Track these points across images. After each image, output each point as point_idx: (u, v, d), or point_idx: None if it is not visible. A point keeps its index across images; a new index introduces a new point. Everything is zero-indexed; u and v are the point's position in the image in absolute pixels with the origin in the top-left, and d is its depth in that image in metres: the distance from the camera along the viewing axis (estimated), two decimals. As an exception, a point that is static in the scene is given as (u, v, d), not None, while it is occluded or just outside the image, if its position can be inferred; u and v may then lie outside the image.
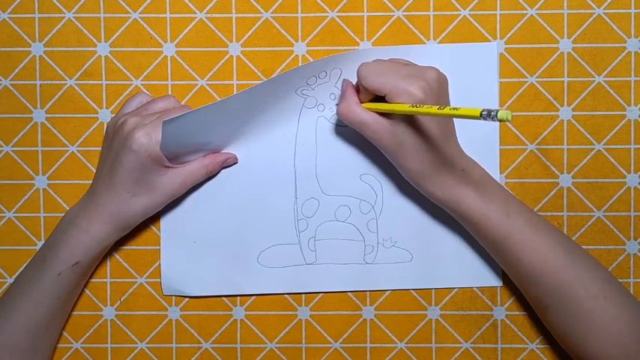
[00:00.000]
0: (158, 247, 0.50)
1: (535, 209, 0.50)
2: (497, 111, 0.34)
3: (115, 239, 0.48)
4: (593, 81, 0.50)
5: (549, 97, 0.50)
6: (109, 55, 0.50)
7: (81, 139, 0.51)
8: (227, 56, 0.50)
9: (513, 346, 0.50)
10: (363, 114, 0.44)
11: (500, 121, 0.34)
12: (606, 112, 0.50)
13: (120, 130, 0.45)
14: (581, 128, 0.50)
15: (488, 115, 0.35)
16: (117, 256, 0.51)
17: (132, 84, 0.51)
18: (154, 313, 0.51)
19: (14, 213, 0.51)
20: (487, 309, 0.50)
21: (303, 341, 0.51)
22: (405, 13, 0.50)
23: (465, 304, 0.50)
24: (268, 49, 0.50)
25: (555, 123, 0.50)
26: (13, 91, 0.51)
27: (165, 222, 0.50)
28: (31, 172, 0.51)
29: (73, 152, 0.51)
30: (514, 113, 0.50)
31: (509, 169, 0.50)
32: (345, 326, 0.51)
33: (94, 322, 0.51)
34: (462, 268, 0.50)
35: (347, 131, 0.50)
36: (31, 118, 0.51)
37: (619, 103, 0.50)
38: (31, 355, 0.46)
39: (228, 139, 0.49)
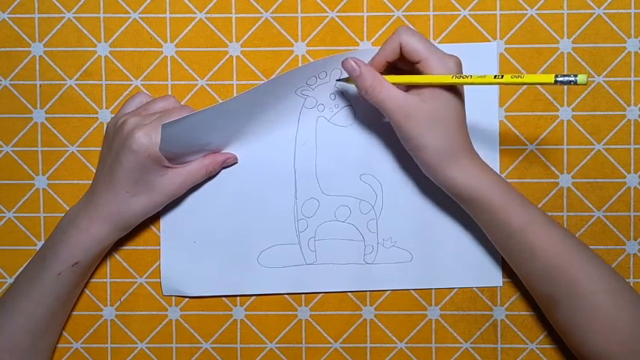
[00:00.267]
0: (158, 247, 0.50)
1: (538, 207, 0.50)
2: (575, 75, 0.33)
3: (115, 239, 0.48)
4: (593, 81, 0.50)
5: (549, 97, 0.50)
6: (108, 55, 0.50)
7: (81, 139, 0.51)
8: (227, 56, 0.50)
9: (513, 346, 0.50)
10: (392, 89, 0.43)
11: (579, 84, 0.34)
12: (606, 112, 0.50)
13: (120, 130, 0.45)
14: (581, 128, 0.50)
15: (564, 80, 0.34)
16: (117, 256, 0.51)
17: (132, 84, 0.51)
18: (153, 313, 0.51)
19: (14, 213, 0.51)
20: (487, 309, 0.50)
21: (303, 341, 0.51)
22: (405, 13, 0.50)
23: (465, 304, 0.50)
24: (268, 49, 0.50)
25: (555, 123, 0.50)
26: (13, 91, 0.51)
27: (165, 222, 0.50)
28: (31, 172, 0.51)
29: (73, 152, 0.51)
30: (514, 113, 0.50)
31: (510, 168, 0.50)
32: (345, 326, 0.51)
33: (94, 322, 0.51)
34: (462, 268, 0.50)
35: (347, 131, 0.50)
36: (31, 118, 0.51)
37: (619, 103, 0.50)
38: (31, 355, 0.46)
39: (228, 139, 0.49)
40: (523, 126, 0.50)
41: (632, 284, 0.50)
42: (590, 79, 0.50)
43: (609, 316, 0.43)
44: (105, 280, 0.51)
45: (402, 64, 0.45)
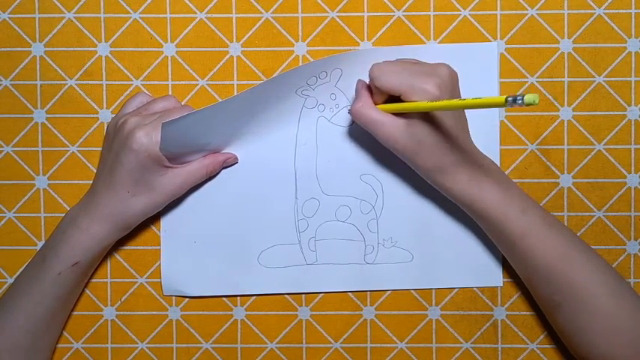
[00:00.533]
0: (158, 247, 0.50)
1: (540, 207, 0.50)
2: (522, 96, 0.34)
3: (115, 239, 0.48)
4: (594, 81, 0.50)
5: (549, 97, 0.50)
6: (109, 55, 0.50)
7: (81, 139, 0.51)
8: (227, 56, 0.50)
9: (513, 346, 0.50)
10: (378, 115, 0.44)
11: (527, 105, 0.34)
12: (606, 112, 0.50)
13: (120, 129, 0.45)
14: (581, 128, 0.50)
15: (514, 101, 0.34)
16: (117, 256, 0.51)
17: (132, 84, 0.51)
18: (154, 313, 0.51)
19: (14, 213, 0.51)
20: (487, 309, 0.50)
21: (304, 341, 0.51)
22: (405, 13, 0.50)
23: (466, 304, 0.50)
24: (268, 49, 0.50)
25: (555, 123, 0.50)
26: (13, 91, 0.51)
27: (165, 222, 0.50)
28: (31, 172, 0.51)
29: (73, 152, 0.51)
30: (515, 113, 0.50)
31: (510, 169, 0.50)
32: (346, 326, 0.51)
33: (94, 322, 0.51)
34: (462, 268, 0.50)
35: (347, 131, 0.50)
36: (32, 118, 0.51)
37: (619, 103, 0.50)
38: (31, 355, 0.46)
39: (229, 139, 0.49)
40: (523, 126, 0.50)
41: (632, 284, 0.50)
42: (590, 79, 0.50)
43: (611, 319, 0.43)
44: (105, 280, 0.51)
45: None
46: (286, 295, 0.51)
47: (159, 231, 0.50)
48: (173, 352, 0.51)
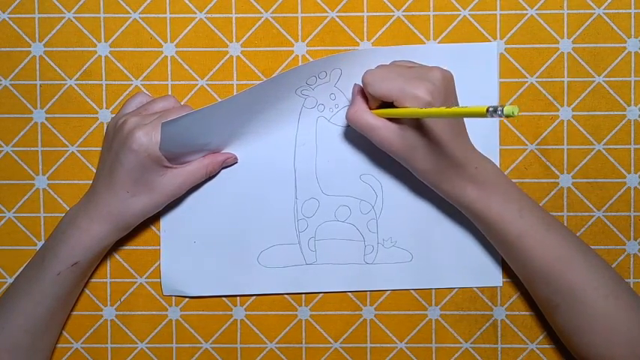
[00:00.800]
0: (158, 247, 0.50)
1: (539, 206, 0.50)
2: (502, 107, 0.34)
3: (115, 239, 0.48)
4: (593, 81, 0.50)
5: (549, 97, 0.50)
6: (109, 55, 0.50)
7: (81, 139, 0.51)
8: (227, 56, 0.50)
9: (513, 346, 0.50)
10: (373, 120, 0.44)
11: (506, 116, 0.34)
12: (606, 112, 0.50)
13: (120, 129, 0.45)
14: (581, 128, 0.50)
15: (494, 111, 0.35)
16: (117, 256, 0.51)
17: (132, 84, 0.51)
18: (154, 313, 0.51)
19: (14, 213, 0.51)
20: (487, 309, 0.50)
21: (303, 341, 0.51)
22: (405, 13, 0.50)
23: (465, 304, 0.50)
24: (268, 49, 0.50)
25: (555, 123, 0.50)
26: (13, 91, 0.51)
27: (165, 222, 0.50)
28: (31, 172, 0.51)
29: (73, 152, 0.51)
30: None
31: (510, 169, 0.50)
32: (345, 326, 0.51)
33: (94, 322, 0.51)
34: (462, 268, 0.50)
35: (347, 131, 0.50)
36: (31, 118, 0.51)
37: (619, 103, 0.50)
38: (31, 355, 0.46)
39: (228, 139, 0.49)
40: (523, 126, 0.50)
41: (632, 284, 0.50)
42: (590, 79, 0.50)
43: (610, 320, 0.43)
44: (105, 280, 0.51)
45: None
46: (286, 295, 0.51)
47: (159, 231, 0.50)
48: (173, 352, 0.51)
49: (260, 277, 0.50)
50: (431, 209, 0.50)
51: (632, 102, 0.50)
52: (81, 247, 0.46)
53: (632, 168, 0.50)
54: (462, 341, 0.50)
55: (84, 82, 0.51)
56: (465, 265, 0.50)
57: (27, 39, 0.50)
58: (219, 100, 0.50)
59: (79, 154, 0.51)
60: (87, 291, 0.51)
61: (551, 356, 0.50)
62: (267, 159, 0.50)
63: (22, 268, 0.49)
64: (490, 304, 0.50)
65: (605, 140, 0.50)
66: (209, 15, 0.50)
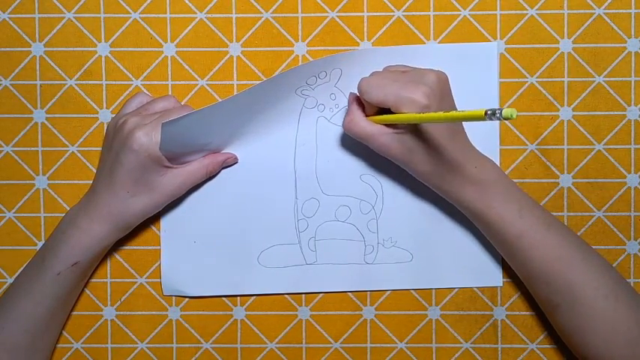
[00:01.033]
0: (158, 247, 0.50)
1: (538, 206, 0.50)
2: (501, 110, 0.34)
3: (115, 239, 0.48)
4: (593, 81, 0.50)
5: (549, 97, 0.50)
6: (109, 55, 0.50)
7: (81, 139, 0.51)
8: (227, 56, 0.50)
9: (513, 346, 0.50)
10: (369, 127, 0.44)
11: (505, 119, 0.34)
12: (606, 112, 0.50)
13: (120, 129, 0.45)
14: (581, 128, 0.50)
15: (492, 114, 0.35)
16: (117, 256, 0.51)
17: (132, 84, 0.51)
18: (154, 313, 0.51)
19: (14, 213, 0.51)
20: (487, 309, 0.50)
21: (303, 341, 0.51)
22: (405, 13, 0.50)
23: (465, 304, 0.50)
24: (268, 49, 0.50)
25: (555, 123, 0.50)
26: (13, 91, 0.51)
27: (165, 222, 0.50)
28: (31, 172, 0.51)
29: (73, 152, 0.51)
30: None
31: (510, 169, 0.50)
32: (345, 326, 0.51)
33: (94, 322, 0.51)
34: (462, 268, 0.50)
35: (347, 131, 0.50)
36: (32, 118, 0.51)
37: (619, 103, 0.50)
38: (31, 355, 0.46)
39: (228, 139, 0.49)
40: (523, 126, 0.50)
41: (632, 284, 0.50)
42: (590, 79, 0.50)
43: (610, 320, 0.43)
44: (105, 280, 0.51)
45: None
46: (286, 295, 0.51)
47: (159, 231, 0.50)
48: (173, 352, 0.51)
49: (260, 277, 0.50)
50: (431, 209, 0.50)
51: (632, 102, 0.50)
52: (81, 247, 0.46)
53: (632, 168, 0.50)
54: (462, 341, 0.50)
55: (84, 82, 0.51)
56: (465, 265, 0.50)
57: (27, 39, 0.50)
58: (220, 100, 0.50)
59: (79, 154, 0.51)
60: (87, 291, 0.51)
61: (551, 356, 0.50)
62: (268, 159, 0.50)
63: (22, 268, 0.49)
64: (490, 304, 0.50)
65: (605, 140, 0.50)
66: (209, 15, 0.50)
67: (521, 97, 0.50)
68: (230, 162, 0.49)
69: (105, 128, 0.50)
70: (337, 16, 0.50)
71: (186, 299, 0.51)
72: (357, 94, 0.46)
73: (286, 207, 0.50)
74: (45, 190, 0.51)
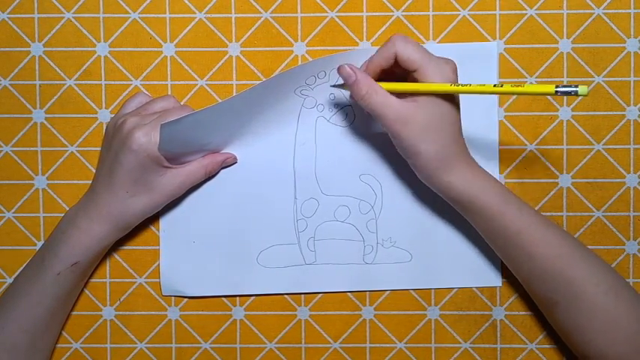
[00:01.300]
0: (158, 247, 0.50)
1: (535, 209, 0.50)
2: (576, 86, 0.33)
3: (115, 239, 0.48)
4: (593, 81, 0.50)
5: (549, 97, 0.50)
6: (108, 55, 0.50)
7: (80, 139, 0.51)
8: (226, 56, 0.50)
9: (513, 346, 0.50)
10: (387, 96, 0.43)
11: (581, 95, 0.34)
12: (606, 112, 0.50)
13: (119, 129, 0.45)
14: (580, 128, 0.50)
15: (566, 91, 0.34)
16: (116, 256, 0.51)
17: (131, 84, 0.51)
18: (153, 313, 0.51)
19: (14, 213, 0.51)
20: (486, 309, 0.50)
21: (303, 341, 0.51)
22: (404, 13, 0.50)
23: (465, 304, 0.50)
24: (268, 49, 0.50)
25: (555, 123, 0.50)
26: (12, 91, 0.51)
27: (164, 222, 0.50)
28: (30, 173, 0.51)
29: (72, 152, 0.51)
30: (514, 113, 0.50)
31: (509, 169, 0.50)
32: (345, 326, 0.51)
33: (93, 322, 0.51)
34: (462, 268, 0.50)
35: (346, 131, 0.50)
36: (31, 118, 0.51)
37: (618, 103, 0.50)
38: (30, 355, 0.46)
39: (228, 139, 0.49)
40: (523, 126, 0.50)
41: (631, 284, 0.50)
42: (589, 79, 0.50)
43: (610, 316, 0.43)
44: (104, 280, 0.51)
45: (397, 69, 0.45)
46: (285, 295, 0.51)
47: (158, 231, 0.50)
48: (172, 352, 0.51)
49: (259, 277, 0.50)
50: (430, 209, 0.50)
51: (632, 102, 0.50)
52: (81, 247, 0.46)
53: (632, 168, 0.50)
54: (462, 341, 0.50)
55: (83, 82, 0.51)
56: (464, 265, 0.50)
57: (26, 39, 0.50)
58: (219, 100, 0.50)
59: (78, 154, 0.51)
60: (86, 291, 0.51)
61: (551, 356, 0.50)
62: (267, 159, 0.50)
63: (21, 268, 0.49)
64: (489, 304, 0.50)
65: (604, 140, 0.50)
66: (209, 15, 0.50)
67: (520, 97, 0.50)
68: (229, 162, 0.49)
69: (104, 128, 0.50)
70: (337, 16, 0.50)
71: (186, 299, 0.51)
72: (354, 65, 0.44)
73: (285, 207, 0.50)
74: (44, 190, 0.51)
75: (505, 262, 0.48)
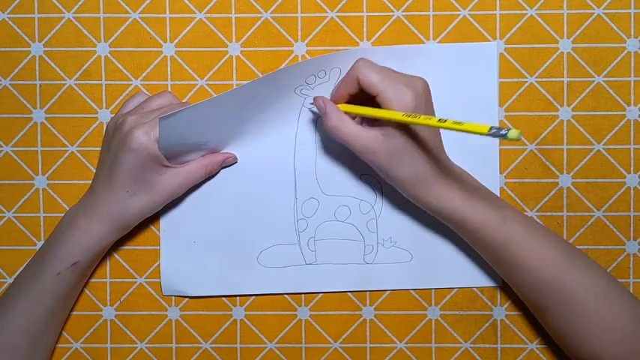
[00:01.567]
0: (158, 247, 0.50)
1: (535, 209, 0.50)
2: (507, 130, 0.34)
3: (115, 239, 0.48)
4: (593, 81, 0.50)
5: (549, 97, 0.50)
6: (108, 55, 0.50)
7: (80, 139, 0.51)
8: (227, 56, 0.50)
9: (513, 346, 0.50)
10: (355, 127, 0.44)
11: (510, 139, 0.34)
12: (606, 112, 0.50)
13: (119, 129, 0.45)
14: (580, 128, 0.50)
15: (497, 133, 0.34)
16: (116, 256, 0.51)
17: (131, 84, 0.51)
18: (153, 313, 0.51)
19: (14, 213, 0.51)
20: (487, 309, 0.50)
21: (303, 341, 0.51)
22: (404, 13, 0.50)
23: (465, 304, 0.50)
24: (268, 49, 0.50)
25: (555, 123, 0.50)
26: (12, 91, 0.51)
27: (164, 222, 0.50)
28: (30, 172, 0.51)
29: (72, 152, 0.51)
30: (514, 113, 0.50)
31: (509, 169, 0.50)
32: (345, 326, 0.51)
33: (93, 322, 0.51)
34: (462, 268, 0.50)
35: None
36: (31, 118, 0.51)
37: (619, 103, 0.50)
38: (30, 355, 0.46)
39: (228, 138, 0.49)
40: (523, 126, 0.50)
41: (631, 284, 0.50)
42: (589, 79, 0.50)
43: (602, 320, 0.43)
44: (105, 280, 0.51)
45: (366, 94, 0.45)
46: (286, 295, 0.51)
47: (158, 231, 0.50)
48: (172, 352, 0.51)
49: (260, 277, 0.50)
50: (430, 209, 0.50)
51: (632, 102, 0.50)
52: (81, 246, 0.46)
53: (632, 168, 0.50)
54: (462, 341, 0.50)
55: (83, 82, 0.51)
56: (464, 265, 0.50)
57: (27, 39, 0.50)
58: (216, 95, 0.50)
59: (78, 154, 0.51)
60: (86, 291, 0.51)
61: (551, 356, 0.50)
62: (267, 159, 0.50)
63: (21, 268, 0.49)
64: (490, 304, 0.50)
65: (604, 140, 0.50)
66: (209, 15, 0.50)
67: (520, 97, 0.50)
68: (229, 162, 0.49)
69: (104, 128, 0.50)
70: (337, 16, 0.50)
71: (186, 299, 0.51)
72: (325, 97, 0.46)
73: (286, 207, 0.50)
74: (44, 190, 0.51)
75: (496, 270, 0.48)
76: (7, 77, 0.50)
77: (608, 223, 0.50)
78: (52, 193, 0.51)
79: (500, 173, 0.50)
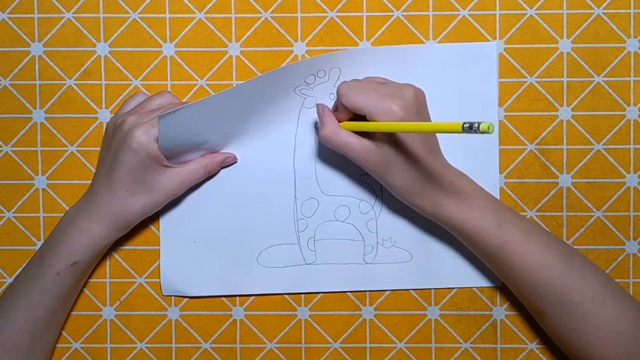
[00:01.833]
0: (157, 247, 0.50)
1: (534, 209, 0.50)
2: (479, 123, 0.34)
3: (114, 239, 0.48)
4: (593, 81, 0.50)
5: (549, 97, 0.50)
6: (108, 55, 0.50)
7: (80, 139, 0.51)
8: (226, 56, 0.50)
9: (513, 346, 0.50)
10: (347, 137, 0.44)
11: (482, 133, 0.34)
12: (606, 112, 0.50)
13: (119, 129, 0.45)
14: (580, 128, 0.50)
15: (470, 128, 0.34)
16: (116, 256, 0.51)
17: (131, 84, 0.51)
18: (153, 313, 0.51)
19: (14, 213, 0.51)
20: (486, 309, 0.50)
21: (303, 341, 0.51)
22: (404, 13, 0.50)
23: (465, 304, 0.50)
24: (268, 49, 0.50)
25: (555, 123, 0.50)
26: (12, 91, 0.51)
27: (164, 222, 0.50)
28: (30, 172, 0.51)
29: (72, 152, 0.51)
30: (514, 113, 0.50)
31: (509, 169, 0.50)
32: (345, 326, 0.51)
33: (93, 322, 0.51)
34: (462, 268, 0.50)
35: (346, 131, 0.50)
36: (31, 118, 0.51)
37: (618, 103, 0.50)
38: (30, 355, 0.46)
39: (227, 138, 0.49)
40: (523, 126, 0.50)
41: (631, 284, 0.50)
42: (589, 79, 0.50)
43: (599, 323, 0.43)
44: (104, 280, 0.51)
45: None
46: (285, 295, 0.51)
47: (158, 231, 0.50)
48: (172, 352, 0.51)
49: (260, 277, 0.50)
50: (430, 209, 0.50)
51: (632, 102, 0.50)
52: (80, 246, 0.46)
53: (632, 168, 0.50)
54: (462, 341, 0.50)
55: (83, 82, 0.51)
56: (464, 265, 0.50)
57: (26, 39, 0.50)
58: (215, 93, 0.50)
59: (78, 154, 0.51)
60: (86, 291, 0.51)
61: (551, 356, 0.50)
62: (267, 159, 0.50)
63: (21, 268, 0.49)
64: (489, 304, 0.50)
65: (604, 140, 0.50)
66: (208, 15, 0.50)
67: (520, 97, 0.50)
68: (229, 162, 0.49)
69: (104, 128, 0.50)
70: (336, 16, 0.50)
71: (186, 299, 0.51)
72: (326, 105, 0.46)
73: (285, 207, 0.50)
74: (44, 190, 0.51)
75: (494, 272, 0.48)
76: (7, 77, 0.50)
77: (607, 223, 0.50)
78: (52, 193, 0.51)
79: (500, 173, 0.50)
